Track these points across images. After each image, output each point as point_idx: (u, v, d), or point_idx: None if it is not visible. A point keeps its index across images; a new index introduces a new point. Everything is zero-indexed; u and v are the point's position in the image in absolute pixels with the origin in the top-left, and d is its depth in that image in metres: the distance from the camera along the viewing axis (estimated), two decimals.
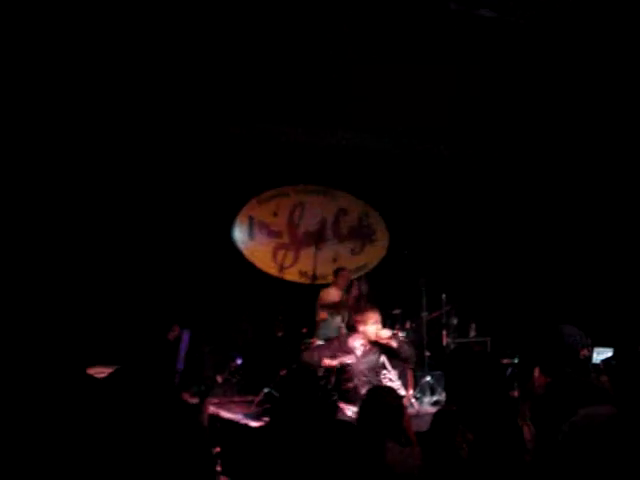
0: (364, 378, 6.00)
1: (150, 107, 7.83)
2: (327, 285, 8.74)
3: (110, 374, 2.52)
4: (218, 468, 4.90)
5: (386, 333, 6.12)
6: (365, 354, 6.13)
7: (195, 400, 5.24)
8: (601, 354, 5.86)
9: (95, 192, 7.67)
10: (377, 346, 6.14)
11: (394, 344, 6.08)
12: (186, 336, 5.57)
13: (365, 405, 3.28)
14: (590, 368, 3.36)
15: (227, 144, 8.73)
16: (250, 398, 7.58)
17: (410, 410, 7.48)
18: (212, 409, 6.71)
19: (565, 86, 7.48)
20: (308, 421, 3.01)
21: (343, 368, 6.11)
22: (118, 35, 6.30)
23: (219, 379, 5.35)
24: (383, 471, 2.92)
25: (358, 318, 6.21)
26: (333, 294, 8.43)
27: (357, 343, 6.14)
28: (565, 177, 9.17)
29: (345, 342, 6.23)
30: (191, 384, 5.34)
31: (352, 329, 6.55)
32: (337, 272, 8.72)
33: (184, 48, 6.70)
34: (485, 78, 7.46)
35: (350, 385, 5.97)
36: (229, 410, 7.25)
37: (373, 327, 6.07)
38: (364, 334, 6.10)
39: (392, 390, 3.59)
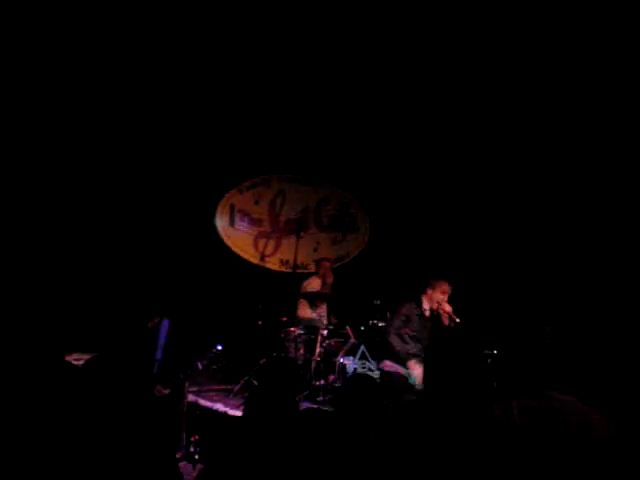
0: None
1: (134, 95, 7.75)
2: (308, 274, 8.72)
3: (87, 361, 2.49)
4: (196, 456, 4.90)
5: (448, 308, 6.08)
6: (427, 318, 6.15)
7: (166, 392, 5.21)
8: None
9: (76, 179, 7.57)
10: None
11: (445, 321, 6.07)
12: (165, 325, 5.53)
13: (343, 395, 3.26)
14: None
15: (208, 132, 8.66)
16: (230, 386, 7.58)
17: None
18: (191, 397, 6.70)
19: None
20: (282, 410, 2.99)
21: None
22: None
23: (199, 366, 5.31)
24: (365, 457, 2.92)
25: (431, 281, 6.22)
26: (314, 284, 8.42)
27: (426, 305, 6.15)
28: (549, 167, 9.18)
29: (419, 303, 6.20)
30: (171, 373, 5.31)
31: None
32: (318, 262, 8.71)
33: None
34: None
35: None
36: (208, 398, 7.24)
37: (441, 297, 6.08)
38: (429, 298, 6.13)
39: (370, 378, 3.56)
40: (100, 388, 2.27)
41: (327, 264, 8.66)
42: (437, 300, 6.08)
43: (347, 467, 2.86)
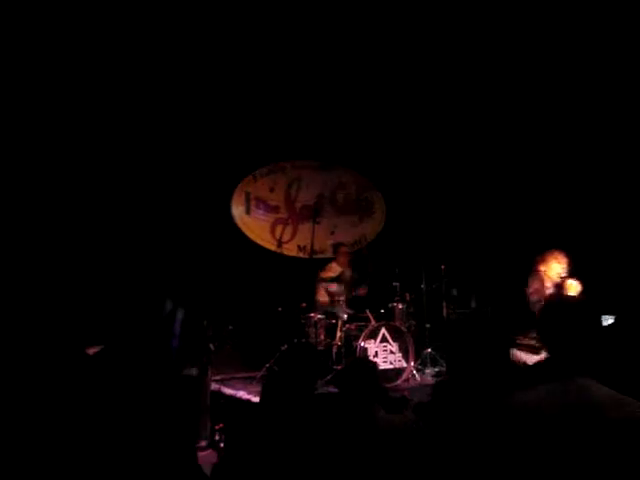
0: None
1: (144, 83, 7.74)
2: (326, 260, 8.72)
3: (100, 351, 2.49)
4: (221, 444, 4.94)
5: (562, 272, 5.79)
6: None
7: (195, 372, 5.25)
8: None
9: (89, 168, 7.58)
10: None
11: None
12: (180, 314, 5.57)
13: (344, 375, 3.26)
14: None
15: (223, 119, 8.65)
16: (252, 374, 7.62)
17: (412, 382, 7.52)
18: (214, 385, 6.74)
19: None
20: (300, 395, 3.00)
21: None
22: None
23: (212, 347, 5.35)
24: (373, 438, 2.92)
25: (538, 259, 5.98)
26: (333, 269, 8.42)
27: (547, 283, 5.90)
28: (557, 155, 9.11)
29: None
30: (190, 360, 5.35)
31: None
32: (336, 248, 8.69)
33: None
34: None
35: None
36: (231, 386, 7.28)
37: (557, 266, 5.84)
38: (544, 274, 5.88)
39: (366, 358, 3.55)
40: (112, 378, 2.27)
41: (344, 249, 8.66)
42: (555, 272, 5.80)
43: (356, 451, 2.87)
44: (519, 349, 5.31)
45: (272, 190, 9.54)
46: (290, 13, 6.72)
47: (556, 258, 5.84)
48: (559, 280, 5.78)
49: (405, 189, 9.87)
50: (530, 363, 4.95)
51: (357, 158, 9.84)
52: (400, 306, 8.07)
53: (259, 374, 7.47)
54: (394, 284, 8.25)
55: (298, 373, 3.05)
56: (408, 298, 8.26)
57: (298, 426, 2.87)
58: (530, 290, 5.94)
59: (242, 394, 6.96)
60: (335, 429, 2.94)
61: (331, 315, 7.84)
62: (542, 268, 5.87)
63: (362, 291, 8.32)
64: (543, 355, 4.94)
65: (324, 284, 8.23)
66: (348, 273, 8.41)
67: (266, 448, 2.83)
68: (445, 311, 8.47)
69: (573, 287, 5.76)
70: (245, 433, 3.04)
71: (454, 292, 8.63)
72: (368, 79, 8.10)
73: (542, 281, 5.91)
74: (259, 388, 6.91)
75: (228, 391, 7.08)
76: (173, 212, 8.46)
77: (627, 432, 2.03)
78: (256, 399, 6.58)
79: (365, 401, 3.05)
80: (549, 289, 5.86)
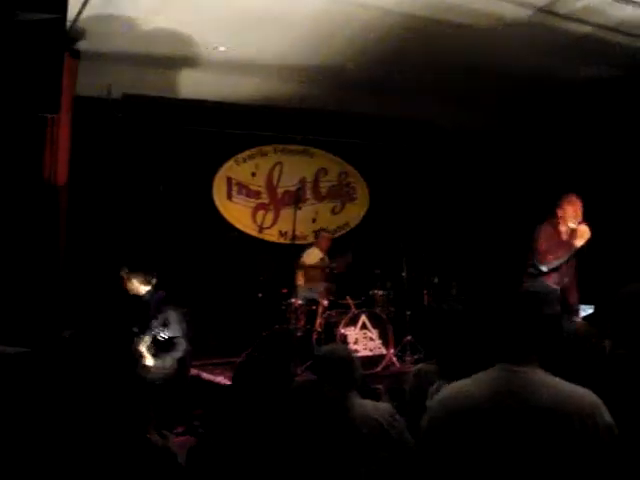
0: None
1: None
2: (307, 246, 8.69)
3: (72, 334, 2.45)
4: (200, 430, 4.91)
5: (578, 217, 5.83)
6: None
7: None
8: (582, 312, 5.87)
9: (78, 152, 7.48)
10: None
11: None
12: (159, 296, 5.53)
13: (319, 361, 3.24)
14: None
15: (205, 104, 8.57)
16: (232, 359, 7.58)
17: (392, 369, 7.53)
18: (194, 371, 6.71)
19: None
20: (273, 380, 2.98)
21: None
22: None
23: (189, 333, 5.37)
24: (347, 426, 2.90)
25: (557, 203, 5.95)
26: (313, 256, 8.39)
27: (562, 228, 5.93)
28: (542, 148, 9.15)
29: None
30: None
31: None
32: (318, 234, 8.67)
33: None
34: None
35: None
36: (210, 371, 7.25)
37: (572, 209, 5.86)
38: (560, 219, 5.92)
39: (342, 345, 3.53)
40: (85, 360, 2.23)
41: (326, 235, 8.65)
42: (571, 216, 5.86)
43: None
44: None
45: (254, 175, 9.46)
46: None
47: (571, 202, 5.87)
48: (575, 225, 5.82)
49: (388, 176, 9.86)
50: None
51: (340, 143, 9.80)
52: (381, 293, 8.07)
53: (239, 360, 7.43)
54: (375, 271, 8.25)
55: (274, 358, 3.02)
56: (389, 285, 8.26)
57: (273, 411, 2.85)
58: (539, 240, 5.93)
59: (221, 379, 6.93)
60: (310, 415, 2.91)
61: (312, 301, 7.82)
62: (559, 213, 5.89)
63: (343, 263, 8.31)
64: None
65: (302, 271, 8.21)
66: (328, 259, 8.40)
67: (241, 433, 2.81)
68: (426, 299, 8.47)
69: (586, 233, 5.81)
70: (222, 418, 3.02)
71: (435, 280, 8.63)
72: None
73: (555, 226, 5.95)
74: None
75: (207, 376, 7.05)
76: (154, 196, 8.40)
77: (545, 419, 2.00)
78: None
79: (340, 387, 3.02)
80: (563, 234, 5.91)
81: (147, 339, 5.25)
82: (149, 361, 5.27)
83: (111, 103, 8.02)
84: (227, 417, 2.93)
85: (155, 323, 5.40)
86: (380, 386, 5.84)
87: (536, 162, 9.11)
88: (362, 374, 3.20)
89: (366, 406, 3.04)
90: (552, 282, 5.85)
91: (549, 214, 6.03)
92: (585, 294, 6.15)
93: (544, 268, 5.85)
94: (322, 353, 3.29)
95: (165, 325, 5.41)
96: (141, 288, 5.63)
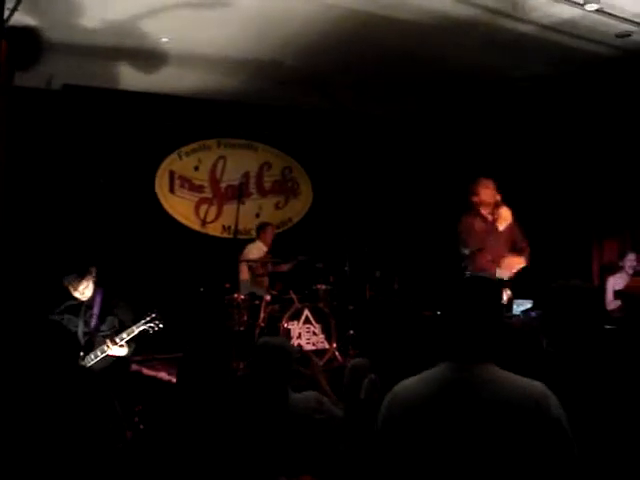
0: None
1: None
2: (250, 240, 8.67)
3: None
4: (140, 426, 4.86)
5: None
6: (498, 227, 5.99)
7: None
8: (520, 306, 5.99)
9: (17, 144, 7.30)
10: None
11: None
12: (99, 294, 5.43)
13: (256, 356, 3.25)
14: None
15: (148, 97, 8.47)
16: (173, 355, 7.51)
17: (334, 363, 7.59)
18: (134, 366, 6.63)
19: None
20: (215, 376, 2.98)
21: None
22: None
23: (135, 329, 5.25)
24: (286, 419, 2.93)
25: (471, 189, 6.06)
26: (256, 250, 8.37)
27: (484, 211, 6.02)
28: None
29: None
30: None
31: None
32: (261, 227, 8.65)
33: None
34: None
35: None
36: (151, 367, 7.17)
37: (487, 192, 5.96)
38: (481, 202, 6.01)
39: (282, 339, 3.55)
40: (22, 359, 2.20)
41: (270, 229, 8.61)
42: (488, 196, 5.99)
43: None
44: None
45: (197, 169, 9.38)
46: None
47: (484, 185, 6.03)
48: (493, 206, 5.98)
49: (331, 170, 9.91)
50: None
51: (284, 138, 9.80)
52: (324, 288, 8.12)
53: (180, 355, 7.37)
54: (318, 266, 8.29)
55: (216, 356, 3.03)
56: (332, 280, 8.31)
57: (213, 407, 2.85)
58: (461, 232, 6.12)
59: (163, 375, 6.86)
60: (248, 410, 2.92)
61: (254, 296, 7.80)
62: (475, 200, 6.03)
63: (285, 267, 8.33)
64: None
65: (245, 265, 8.18)
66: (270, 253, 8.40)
67: (181, 428, 2.81)
68: (368, 293, 8.55)
69: (507, 216, 5.97)
70: (163, 414, 3.00)
71: (377, 274, 8.72)
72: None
73: (476, 215, 6.08)
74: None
75: (148, 372, 6.98)
76: (94, 189, 8.26)
77: (496, 412, 2.00)
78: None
79: (277, 382, 3.04)
80: (487, 217, 6.03)
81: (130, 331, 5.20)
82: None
83: (51, 94, 7.86)
84: (170, 414, 2.92)
85: (110, 319, 5.35)
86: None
87: (476, 155, 9.24)
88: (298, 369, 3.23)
89: (297, 399, 3.09)
90: (485, 260, 5.97)
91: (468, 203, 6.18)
92: (524, 288, 6.25)
93: (466, 251, 6.04)
94: (258, 344, 3.30)
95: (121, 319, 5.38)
96: (88, 290, 5.48)
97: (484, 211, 6.08)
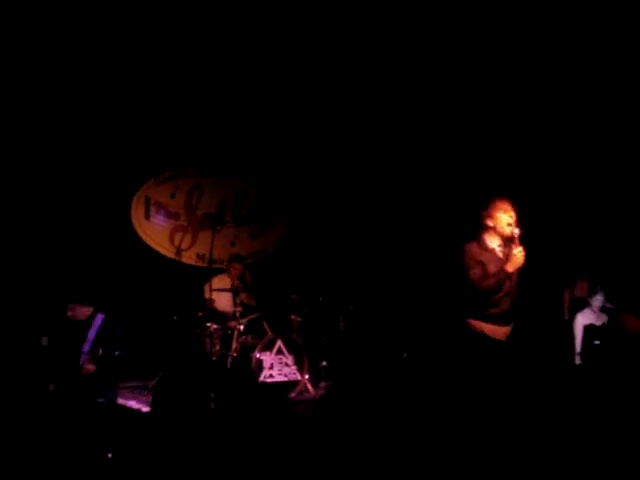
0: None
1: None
2: (220, 270, 8.58)
3: None
4: (109, 454, 4.79)
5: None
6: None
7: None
8: None
9: None
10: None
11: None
12: (98, 319, 5.43)
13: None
14: None
15: (124, 123, 8.47)
16: (144, 383, 7.43)
17: (306, 395, 7.54)
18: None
19: None
20: (189, 405, 2.99)
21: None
22: None
23: (99, 351, 5.25)
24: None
25: (484, 213, 4.79)
26: (222, 283, 8.26)
27: (494, 243, 4.78)
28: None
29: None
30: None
31: None
32: (229, 261, 8.53)
33: None
34: None
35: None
36: (121, 395, 7.07)
37: (504, 216, 4.68)
38: (495, 229, 4.69)
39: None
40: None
41: (237, 266, 8.44)
42: (504, 222, 4.67)
43: None
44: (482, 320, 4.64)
45: (173, 196, 9.37)
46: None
47: (501, 208, 4.78)
48: (509, 233, 4.70)
49: (307, 202, 9.93)
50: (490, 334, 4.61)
51: (261, 167, 9.84)
52: (297, 319, 8.10)
53: (151, 383, 7.29)
54: (292, 297, 8.28)
55: (185, 383, 3.02)
56: (305, 311, 8.30)
57: (187, 436, 2.84)
58: (465, 260, 4.73)
59: (132, 404, 6.78)
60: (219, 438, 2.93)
61: (227, 326, 7.73)
62: (489, 223, 4.78)
63: (251, 301, 8.28)
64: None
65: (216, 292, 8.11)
66: (237, 285, 8.30)
67: (154, 456, 2.79)
68: (341, 325, 8.54)
69: (519, 260, 4.63)
70: (134, 442, 2.98)
71: (351, 306, 8.72)
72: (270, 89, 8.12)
73: (482, 243, 4.81)
74: (150, 398, 6.78)
75: (118, 400, 6.87)
76: (70, 214, 8.21)
77: None
78: (146, 409, 6.43)
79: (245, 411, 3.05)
80: (496, 250, 4.79)
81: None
82: None
83: None
84: (143, 442, 2.90)
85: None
86: None
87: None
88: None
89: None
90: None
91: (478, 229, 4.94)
92: None
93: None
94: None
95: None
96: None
97: (495, 240, 4.84)
